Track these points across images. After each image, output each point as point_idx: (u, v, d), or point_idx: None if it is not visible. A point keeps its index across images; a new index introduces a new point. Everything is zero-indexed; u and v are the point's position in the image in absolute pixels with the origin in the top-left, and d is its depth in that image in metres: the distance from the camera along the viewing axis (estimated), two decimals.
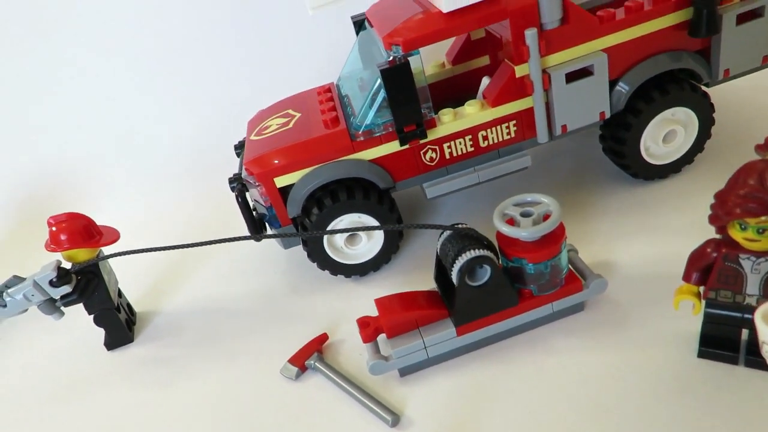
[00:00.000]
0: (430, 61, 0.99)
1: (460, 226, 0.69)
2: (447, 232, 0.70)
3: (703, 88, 0.85)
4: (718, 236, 0.57)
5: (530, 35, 0.75)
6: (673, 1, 0.78)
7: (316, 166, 0.81)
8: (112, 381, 0.83)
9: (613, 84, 0.82)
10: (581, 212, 0.89)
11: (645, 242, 0.80)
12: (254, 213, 0.86)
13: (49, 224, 0.81)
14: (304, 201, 0.82)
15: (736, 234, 0.54)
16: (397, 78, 0.75)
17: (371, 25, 0.87)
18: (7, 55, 1.23)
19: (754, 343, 0.59)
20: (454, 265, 0.65)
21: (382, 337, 0.71)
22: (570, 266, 0.72)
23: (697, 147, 0.88)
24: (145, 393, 0.80)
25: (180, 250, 0.84)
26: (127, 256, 0.80)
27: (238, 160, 0.96)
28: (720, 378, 0.61)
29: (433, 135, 0.82)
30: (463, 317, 0.68)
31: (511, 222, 0.67)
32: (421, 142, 0.82)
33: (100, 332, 0.88)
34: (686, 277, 0.60)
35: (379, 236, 0.87)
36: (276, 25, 1.22)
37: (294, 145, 0.82)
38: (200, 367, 0.81)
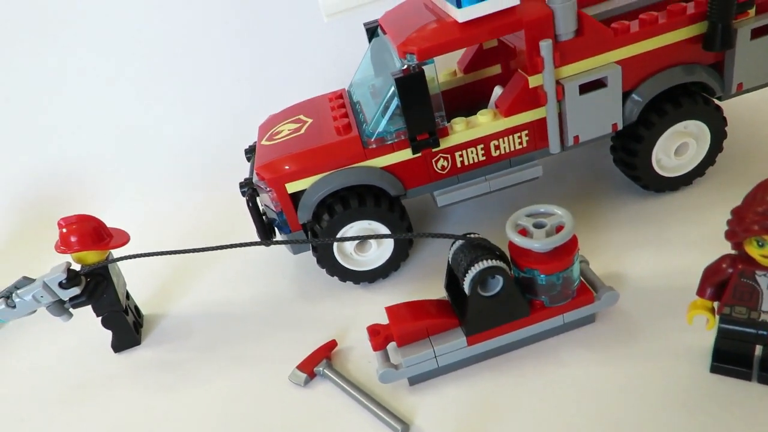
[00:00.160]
0: (442, 69, 0.99)
1: (472, 235, 0.69)
2: (459, 242, 0.70)
3: (716, 101, 0.85)
4: (733, 252, 0.57)
5: (545, 46, 0.75)
6: (687, 14, 0.78)
7: (328, 172, 0.81)
8: (118, 383, 0.83)
9: (626, 96, 0.82)
10: (591, 223, 0.89)
11: (656, 254, 0.80)
12: (264, 218, 0.86)
13: (60, 226, 0.81)
14: (315, 207, 0.82)
15: (753, 251, 0.53)
16: (411, 86, 0.75)
17: (385, 33, 0.87)
18: (16, 56, 1.23)
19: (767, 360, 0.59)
20: (467, 274, 0.65)
21: (391, 346, 0.71)
22: (581, 278, 0.71)
23: (709, 160, 0.88)
24: (151, 396, 0.79)
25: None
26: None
27: (247, 164, 0.96)
28: (732, 394, 0.60)
29: (445, 144, 0.82)
30: (474, 327, 0.68)
31: (524, 232, 0.67)
32: (434, 150, 0.82)
33: (107, 334, 0.88)
34: (700, 292, 0.60)
35: (388, 244, 0.87)
36: (287, 31, 1.22)
37: (306, 151, 0.82)
38: (207, 372, 0.81)
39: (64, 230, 0.81)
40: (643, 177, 0.88)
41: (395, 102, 0.78)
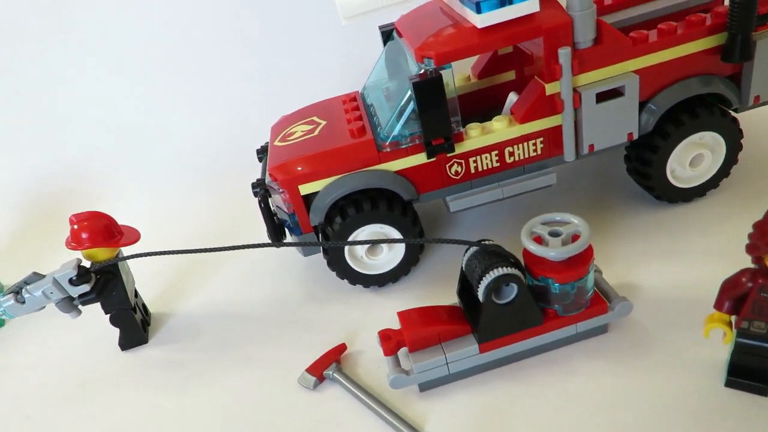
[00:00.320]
0: (456, 74, 0.98)
1: (486, 242, 0.69)
2: (473, 248, 0.69)
3: (732, 113, 0.85)
4: (753, 266, 0.56)
5: (564, 54, 0.75)
6: (707, 25, 0.78)
7: (342, 175, 0.81)
8: (125, 382, 0.83)
9: (642, 105, 0.81)
10: (604, 232, 0.89)
11: (669, 265, 0.80)
12: (275, 219, 0.86)
13: (71, 222, 0.81)
14: (328, 209, 0.82)
15: None
16: (428, 91, 0.75)
17: (401, 36, 0.87)
18: (30, 53, 1.23)
19: None
20: (481, 281, 0.65)
21: (402, 351, 0.71)
22: (595, 287, 0.71)
23: (724, 172, 0.88)
24: (157, 395, 0.79)
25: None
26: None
27: (258, 164, 0.95)
28: (747, 408, 0.60)
29: (460, 149, 0.81)
30: (486, 334, 0.68)
31: (539, 240, 0.67)
32: (448, 155, 0.81)
33: (114, 332, 0.87)
34: (718, 305, 0.59)
35: (399, 248, 0.87)
36: (300, 31, 1.22)
37: (320, 153, 0.81)
38: (214, 372, 0.81)
39: (76, 227, 0.81)
40: (656, 187, 0.87)
41: (411, 106, 0.78)
